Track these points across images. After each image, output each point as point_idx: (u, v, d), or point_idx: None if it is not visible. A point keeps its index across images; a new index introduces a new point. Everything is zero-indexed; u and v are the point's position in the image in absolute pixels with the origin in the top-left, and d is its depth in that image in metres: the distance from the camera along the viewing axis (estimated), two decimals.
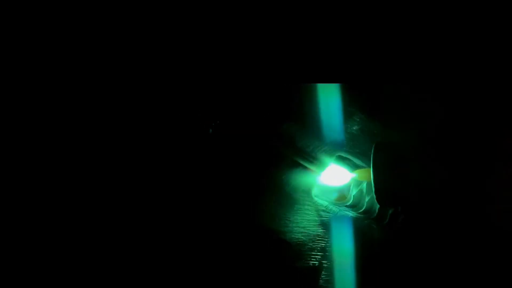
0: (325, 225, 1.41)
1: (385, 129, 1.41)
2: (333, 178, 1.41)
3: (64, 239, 1.24)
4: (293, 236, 1.39)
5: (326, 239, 1.40)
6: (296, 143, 1.42)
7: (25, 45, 1.24)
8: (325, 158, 1.42)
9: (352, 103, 1.42)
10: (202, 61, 1.31)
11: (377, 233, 1.39)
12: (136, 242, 1.28)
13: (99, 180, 1.29)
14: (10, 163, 1.25)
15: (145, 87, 1.34)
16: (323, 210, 1.41)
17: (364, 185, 1.39)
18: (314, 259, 1.38)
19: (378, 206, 1.38)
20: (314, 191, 1.42)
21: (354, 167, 1.41)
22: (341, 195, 1.42)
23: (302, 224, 1.40)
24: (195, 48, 1.30)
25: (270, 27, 1.29)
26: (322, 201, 1.42)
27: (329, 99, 1.42)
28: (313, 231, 1.40)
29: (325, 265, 1.38)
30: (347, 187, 1.41)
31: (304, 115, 1.43)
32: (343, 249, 1.39)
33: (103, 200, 1.29)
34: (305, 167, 1.42)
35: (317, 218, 1.41)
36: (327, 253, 1.38)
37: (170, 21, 1.28)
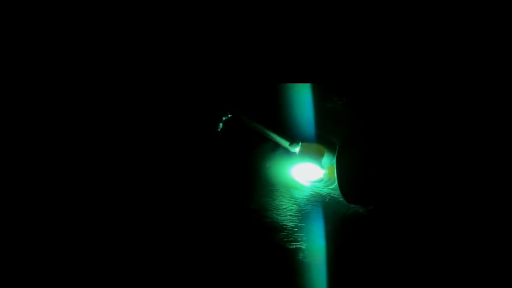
0: (302, 205, 1.39)
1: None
2: (306, 174, 1.39)
3: (67, 238, 1.25)
4: (274, 216, 1.38)
5: (302, 218, 1.38)
6: (274, 126, 1.38)
7: (30, 46, 1.24)
8: (301, 139, 1.39)
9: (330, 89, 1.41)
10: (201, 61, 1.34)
11: (351, 211, 1.36)
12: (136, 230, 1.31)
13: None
14: (12, 163, 1.24)
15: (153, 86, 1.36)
16: (300, 189, 1.38)
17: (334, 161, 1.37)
18: (292, 238, 1.38)
19: None
20: (291, 171, 1.39)
21: (329, 144, 1.40)
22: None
23: (282, 204, 1.39)
24: (196, 50, 1.32)
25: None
26: (299, 180, 1.39)
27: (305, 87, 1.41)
28: (291, 211, 1.39)
29: (302, 244, 1.38)
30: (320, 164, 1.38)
31: (282, 99, 1.40)
32: (318, 227, 1.38)
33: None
34: (283, 148, 1.38)
35: (294, 198, 1.39)
36: (304, 232, 1.38)
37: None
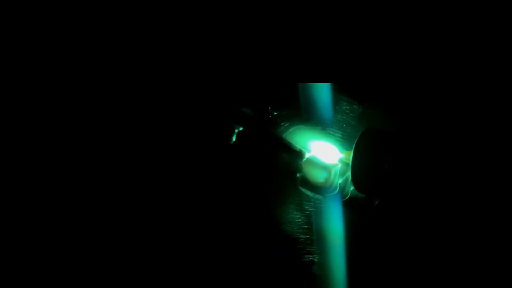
0: (310, 216, 1.37)
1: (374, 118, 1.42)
2: (323, 154, 1.35)
3: (67, 238, 1.23)
4: (287, 229, 1.36)
5: (311, 229, 1.37)
6: (285, 131, 1.37)
7: (28, 46, 1.21)
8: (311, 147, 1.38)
9: (342, 92, 1.41)
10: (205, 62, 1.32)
11: (363, 222, 1.38)
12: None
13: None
14: (10, 163, 1.21)
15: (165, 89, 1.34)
16: (308, 201, 1.37)
17: (349, 174, 1.38)
18: (306, 251, 1.37)
19: (363, 195, 1.38)
20: (300, 180, 1.37)
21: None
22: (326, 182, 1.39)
23: (294, 217, 1.38)
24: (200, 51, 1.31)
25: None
26: (308, 192, 1.37)
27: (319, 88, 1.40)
28: (304, 223, 1.38)
29: (316, 257, 1.37)
30: (333, 175, 1.38)
31: (296, 104, 1.39)
32: (332, 240, 1.36)
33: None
34: (293, 155, 1.37)
35: (307, 211, 1.37)
36: (313, 242, 1.37)
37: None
